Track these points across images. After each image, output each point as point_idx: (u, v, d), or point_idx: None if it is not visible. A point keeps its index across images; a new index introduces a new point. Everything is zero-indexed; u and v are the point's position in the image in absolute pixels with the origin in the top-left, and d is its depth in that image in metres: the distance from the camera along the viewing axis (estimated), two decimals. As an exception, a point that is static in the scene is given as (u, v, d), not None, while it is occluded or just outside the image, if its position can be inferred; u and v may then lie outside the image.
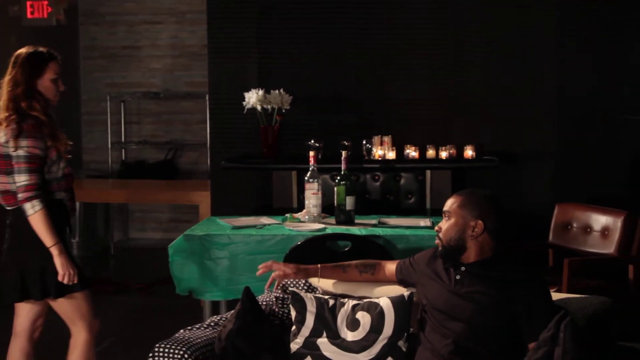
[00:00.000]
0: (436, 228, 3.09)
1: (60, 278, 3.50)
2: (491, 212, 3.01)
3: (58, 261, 3.49)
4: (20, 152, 3.42)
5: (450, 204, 3.05)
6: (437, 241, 3.07)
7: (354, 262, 3.40)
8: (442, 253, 3.06)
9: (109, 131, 8.72)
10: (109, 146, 8.75)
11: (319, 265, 3.37)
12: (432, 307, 3.02)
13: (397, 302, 3.11)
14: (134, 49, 8.81)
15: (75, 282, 3.55)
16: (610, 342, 2.89)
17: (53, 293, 3.57)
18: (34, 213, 3.42)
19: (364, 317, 3.10)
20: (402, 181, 5.57)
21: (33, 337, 3.76)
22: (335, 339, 3.11)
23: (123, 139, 8.82)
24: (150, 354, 3.00)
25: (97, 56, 8.85)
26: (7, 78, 3.53)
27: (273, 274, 3.36)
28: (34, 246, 3.50)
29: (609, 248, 4.58)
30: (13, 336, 3.75)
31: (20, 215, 3.49)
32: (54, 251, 3.47)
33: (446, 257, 3.05)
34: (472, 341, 2.87)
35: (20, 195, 3.42)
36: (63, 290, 3.57)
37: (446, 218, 3.04)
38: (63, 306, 3.64)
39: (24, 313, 3.71)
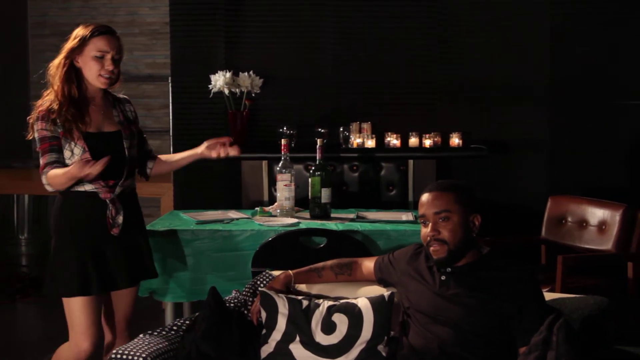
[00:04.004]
0: (430, 233, 2.97)
1: (84, 170, 3.40)
2: (479, 203, 3.01)
3: (74, 169, 3.41)
4: (36, 136, 3.55)
5: (445, 200, 2.96)
6: (436, 248, 2.96)
7: (328, 263, 3.39)
8: (445, 261, 2.97)
9: (62, 117, 8.64)
10: (61, 133, 8.67)
11: (290, 272, 3.36)
12: (415, 309, 3.02)
13: (376, 303, 3.11)
14: (89, 27, 8.74)
15: (97, 167, 3.41)
16: (606, 345, 2.91)
17: (51, 289, 3.61)
18: (50, 185, 3.50)
19: (340, 320, 3.10)
20: (383, 172, 5.58)
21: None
22: (309, 343, 3.11)
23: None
24: (107, 361, 2.99)
25: (48, 34, 8.75)
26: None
27: (253, 313, 3.30)
28: (49, 232, 3.62)
29: (606, 244, 4.61)
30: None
31: (57, 203, 3.62)
32: (72, 170, 3.41)
33: (448, 265, 2.99)
34: (458, 346, 2.88)
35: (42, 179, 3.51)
36: (57, 293, 3.59)
37: (443, 219, 2.95)
38: (67, 308, 3.61)
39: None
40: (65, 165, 3.51)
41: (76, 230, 3.58)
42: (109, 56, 3.57)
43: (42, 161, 3.51)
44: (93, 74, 3.58)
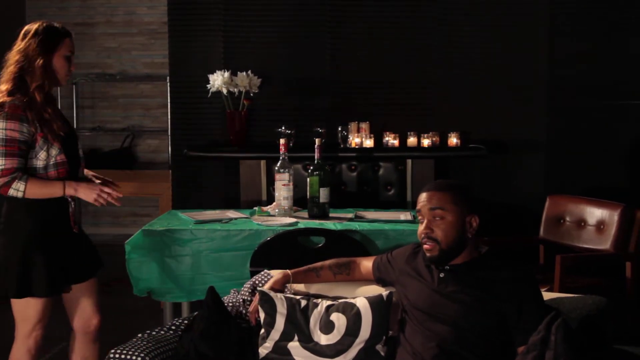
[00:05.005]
0: (424, 230, 2.99)
1: (98, 202, 3.63)
2: (479, 204, 3.01)
3: (81, 194, 3.60)
4: None
5: (441, 199, 2.97)
6: (429, 246, 2.98)
7: (327, 262, 3.39)
8: (438, 259, 2.98)
9: (60, 116, 8.64)
10: (60, 133, 8.67)
11: (289, 272, 3.36)
12: (413, 307, 3.02)
13: (374, 302, 3.11)
14: (88, 26, 8.75)
15: (110, 194, 3.64)
16: (605, 345, 2.91)
17: (12, 292, 3.61)
18: (24, 193, 3.49)
19: (338, 319, 3.10)
20: (381, 171, 5.58)
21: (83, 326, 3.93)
22: (308, 343, 3.11)
23: (75, 125, 8.75)
24: (105, 360, 2.99)
25: (47, 34, 8.77)
26: (15, 50, 3.58)
27: (251, 313, 3.31)
28: (7, 237, 3.59)
29: (605, 243, 4.62)
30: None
31: (2, 201, 3.57)
32: (69, 191, 3.57)
33: (440, 264, 3.01)
34: (457, 345, 2.88)
35: None
36: (21, 293, 3.60)
37: (437, 217, 2.97)
38: (16, 306, 3.66)
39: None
40: (28, 170, 3.53)
41: (46, 232, 3.61)
42: (73, 56, 3.69)
43: (6, 164, 3.46)
44: (64, 73, 3.66)
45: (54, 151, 3.55)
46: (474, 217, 2.98)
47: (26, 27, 3.63)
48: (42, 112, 3.53)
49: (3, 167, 3.45)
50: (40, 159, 3.54)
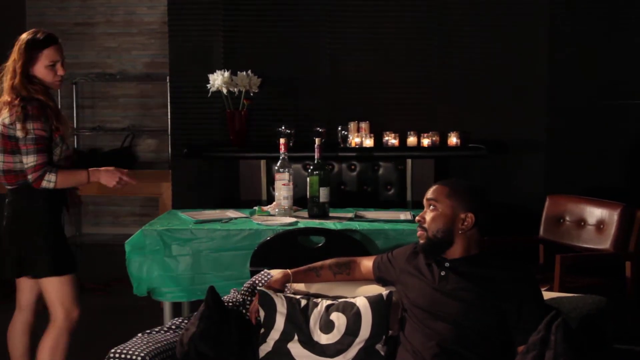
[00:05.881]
0: (418, 218, 3.07)
1: (115, 185, 4.02)
2: (482, 205, 3.01)
3: (103, 179, 4.00)
4: (29, 135, 3.78)
5: (437, 192, 3.04)
6: (419, 232, 3.05)
7: (327, 262, 3.39)
8: (424, 247, 3.05)
9: (60, 116, 8.64)
10: (60, 133, 8.66)
11: (289, 271, 3.36)
12: (413, 305, 3.02)
13: (374, 302, 3.11)
14: (88, 26, 8.74)
15: (128, 180, 4.06)
16: (605, 345, 2.91)
17: (47, 272, 3.90)
18: (55, 183, 3.82)
19: (338, 319, 3.10)
20: (381, 171, 5.58)
21: (37, 310, 4.15)
22: (308, 343, 3.11)
23: (75, 125, 8.74)
24: (105, 360, 2.99)
25: (47, 33, 8.76)
26: (8, 63, 3.90)
27: (251, 313, 3.31)
28: (32, 225, 3.89)
29: (604, 243, 4.61)
30: (17, 310, 4.13)
31: (19, 195, 3.89)
32: (94, 178, 3.96)
33: (428, 253, 3.05)
34: (457, 343, 2.88)
35: (31, 176, 3.79)
36: (56, 271, 3.91)
37: (431, 207, 3.02)
38: (50, 286, 3.94)
39: (28, 288, 4.09)
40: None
41: (59, 217, 3.99)
42: (59, 63, 3.95)
43: (38, 159, 3.78)
44: (50, 80, 3.94)
45: (64, 147, 3.92)
46: (468, 215, 2.98)
47: (18, 38, 3.91)
48: (57, 113, 3.89)
49: (35, 162, 3.78)
50: (55, 154, 3.88)
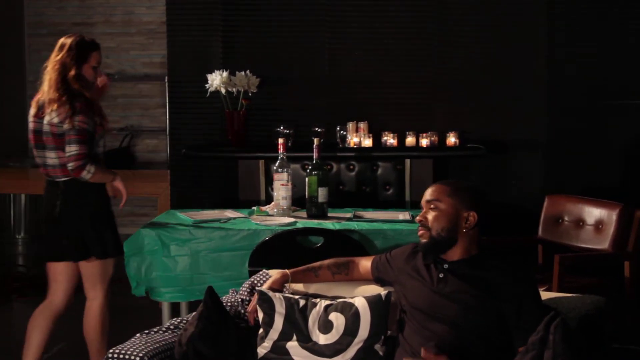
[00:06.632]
0: (418, 218, 3.05)
1: (124, 200, 4.37)
2: (482, 204, 3.01)
3: (121, 187, 4.32)
4: (74, 127, 4.06)
5: (437, 191, 3.03)
6: (421, 232, 3.03)
7: (325, 262, 3.39)
8: (425, 247, 3.03)
9: (58, 116, 8.64)
10: (58, 133, 8.67)
11: (287, 271, 3.36)
12: (412, 307, 3.02)
13: (373, 302, 3.11)
14: (86, 26, 8.73)
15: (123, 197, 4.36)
16: (604, 345, 2.91)
17: (97, 254, 4.21)
18: (93, 175, 4.11)
19: (337, 319, 3.10)
20: (380, 171, 5.58)
21: (70, 302, 4.38)
22: (306, 343, 3.11)
23: (73, 125, 8.73)
24: (103, 360, 2.99)
25: (45, 33, 8.75)
26: (54, 60, 4.18)
27: (249, 313, 3.32)
28: (83, 212, 4.20)
29: (603, 243, 4.61)
30: (52, 299, 4.32)
31: (71, 185, 4.17)
32: (117, 184, 4.31)
33: (430, 252, 3.03)
34: (456, 345, 2.87)
35: (71, 165, 4.07)
36: (105, 254, 4.23)
37: (432, 207, 3.01)
38: (93, 269, 4.25)
39: (68, 277, 4.30)
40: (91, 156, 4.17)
41: (108, 205, 4.33)
42: (99, 67, 4.32)
43: (80, 149, 4.06)
44: (93, 80, 4.29)
45: (102, 141, 4.28)
46: (471, 214, 2.98)
47: (61, 40, 4.23)
48: (100, 109, 4.23)
49: (78, 152, 4.06)
50: (100, 146, 4.24)
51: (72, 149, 4.05)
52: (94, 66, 4.24)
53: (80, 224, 4.20)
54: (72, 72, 4.13)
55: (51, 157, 4.17)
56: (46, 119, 4.12)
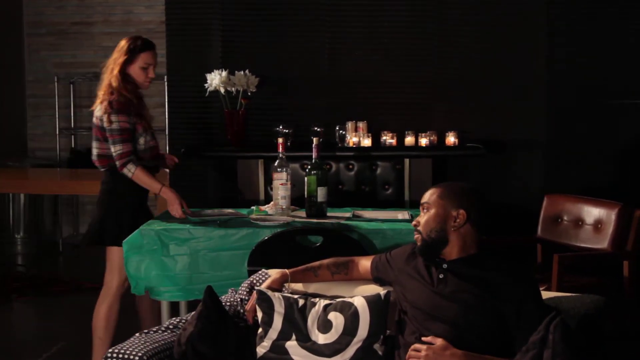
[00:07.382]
0: (414, 223, 3.09)
1: (172, 212, 4.46)
2: (474, 202, 3.02)
3: (169, 197, 4.45)
4: (114, 126, 4.32)
5: (429, 195, 3.07)
6: (415, 236, 3.07)
7: (325, 262, 3.39)
8: (421, 249, 3.06)
9: (57, 116, 8.66)
10: (57, 132, 8.68)
11: (287, 271, 3.36)
12: (412, 307, 3.02)
13: (372, 301, 3.11)
14: (85, 25, 8.73)
15: (182, 215, 4.45)
16: (603, 344, 2.91)
17: (113, 241, 4.42)
18: (133, 174, 4.34)
19: (336, 318, 3.10)
20: (379, 170, 5.58)
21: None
22: (306, 342, 3.11)
23: (72, 125, 8.75)
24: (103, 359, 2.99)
25: (44, 33, 8.76)
26: (109, 61, 4.46)
27: (248, 312, 3.32)
28: (116, 200, 4.47)
29: (602, 243, 4.61)
30: (118, 293, 4.52)
31: (110, 175, 4.46)
32: (164, 194, 4.44)
33: (426, 254, 3.05)
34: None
35: (117, 163, 4.34)
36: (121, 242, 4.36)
37: (425, 210, 3.06)
38: (115, 255, 4.44)
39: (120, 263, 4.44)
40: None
41: (142, 197, 4.58)
42: (151, 67, 4.50)
43: (124, 148, 4.31)
44: (141, 80, 4.48)
45: (148, 137, 4.44)
46: (460, 212, 3.00)
47: (120, 41, 4.51)
48: (138, 107, 4.42)
49: (122, 150, 4.32)
50: (140, 143, 4.41)
51: (116, 149, 4.32)
52: (143, 67, 4.45)
53: (110, 211, 4.47)
54: (116, 72, 4.38)
55: (95, 147, 4.47)
56: (94, 113, 4.44)
